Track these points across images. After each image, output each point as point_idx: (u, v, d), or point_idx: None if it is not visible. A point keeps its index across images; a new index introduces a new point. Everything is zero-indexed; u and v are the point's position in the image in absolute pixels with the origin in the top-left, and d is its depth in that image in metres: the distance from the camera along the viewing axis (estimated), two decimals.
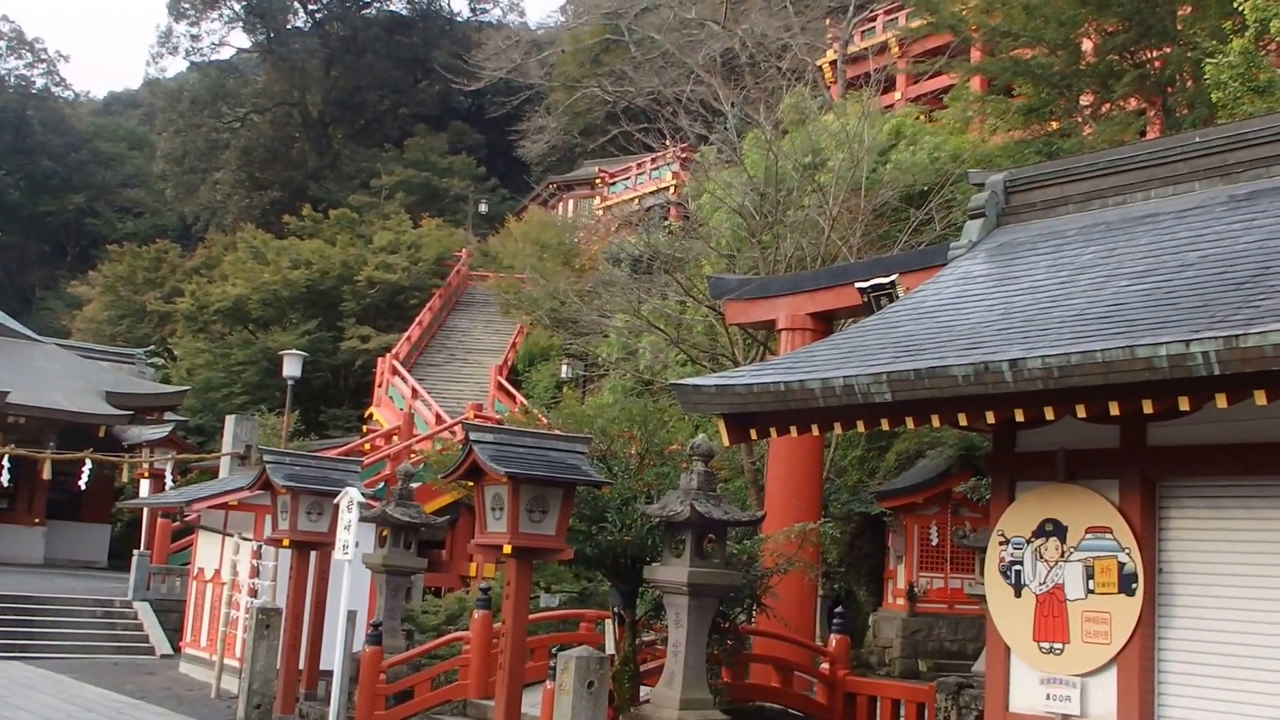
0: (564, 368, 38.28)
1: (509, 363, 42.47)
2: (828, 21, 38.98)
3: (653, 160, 44.81)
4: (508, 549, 12.42)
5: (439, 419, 33.62)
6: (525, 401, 34.70)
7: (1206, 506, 9.83)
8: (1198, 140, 11.99)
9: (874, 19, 39.62)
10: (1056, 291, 10.63)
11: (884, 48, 37.74)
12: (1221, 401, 8.14)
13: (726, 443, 10.80)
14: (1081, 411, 8.85)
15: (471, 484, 13.13)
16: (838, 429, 10.18)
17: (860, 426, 10.09)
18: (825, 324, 18.94)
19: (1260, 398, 7.93)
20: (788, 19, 36.43)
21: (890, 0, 39.11)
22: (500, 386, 38.56)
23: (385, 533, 17.41)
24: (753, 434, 10.74)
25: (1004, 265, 12.09)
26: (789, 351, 18.30)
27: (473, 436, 12.57)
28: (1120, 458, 10.19)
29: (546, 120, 48.82)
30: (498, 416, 31.76)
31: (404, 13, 73.27)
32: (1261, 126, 11.58)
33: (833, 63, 37.94)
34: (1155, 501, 10.03)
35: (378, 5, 73.16)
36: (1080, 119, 26.46)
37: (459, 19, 74.35)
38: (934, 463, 23.07)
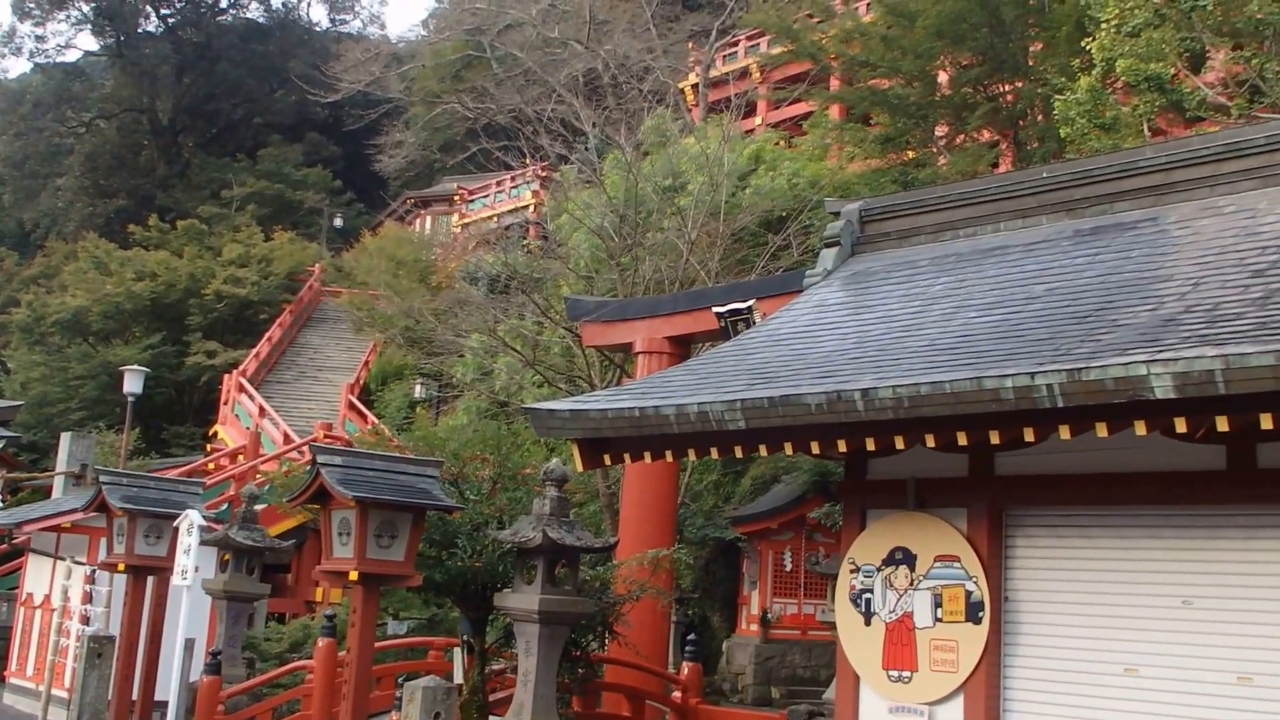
0: (417, 387, 37.72)
1: (361, 381, 41.69)
2: (690, 45, 39.26)
3: (512, 178, 44.55)
4: (354, 575, 12.07)
5: (287, 439, 32.77)
6: (377, 421, 34.05)
7: (1050, 536, 9.99)
8: (1045, 175, 12.26)
9: (736, 44, 40.02)
10: (909, 321, 10.73)
11: (746, 73, 38.11)
12: (1065, 433, 8.26)
13: (580, 468, 10.64)
14: (931, 441, 8.90)
15: (318, 507, 12.73)
16: (692, 455, 10.08)
17: (714, 453, 10.03)
18: (683, 348, 18.91)
19: (1101, 430, 8.06)
20: (650, 41, 36.56)
21: (753, 26, 39.57)
22: (351, 406, 37.80)
23: (227, 557, 16.82)
24: (607, 459, 10.60)
25: (858, 294, 12.18)
26: (646, 375, 18.23)
27: (320, 459, 12.18)
28: (968, 487, 10.30)
29: (405, 135, 48.16)
30: (347, 437, 31.08)
31: (261, 21, 71.70)
32: (1105, 163, 11.89)
33: (694, 86, 38.22)
34: (1002, 531, 10.16)
35: (234, 12, 71.46)
36: (935, 149, 27.05)
37: (318, 29, 73.11)
38: (789, 488, 23.27)
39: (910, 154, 28.41)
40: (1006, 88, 25.26)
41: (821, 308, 12.14)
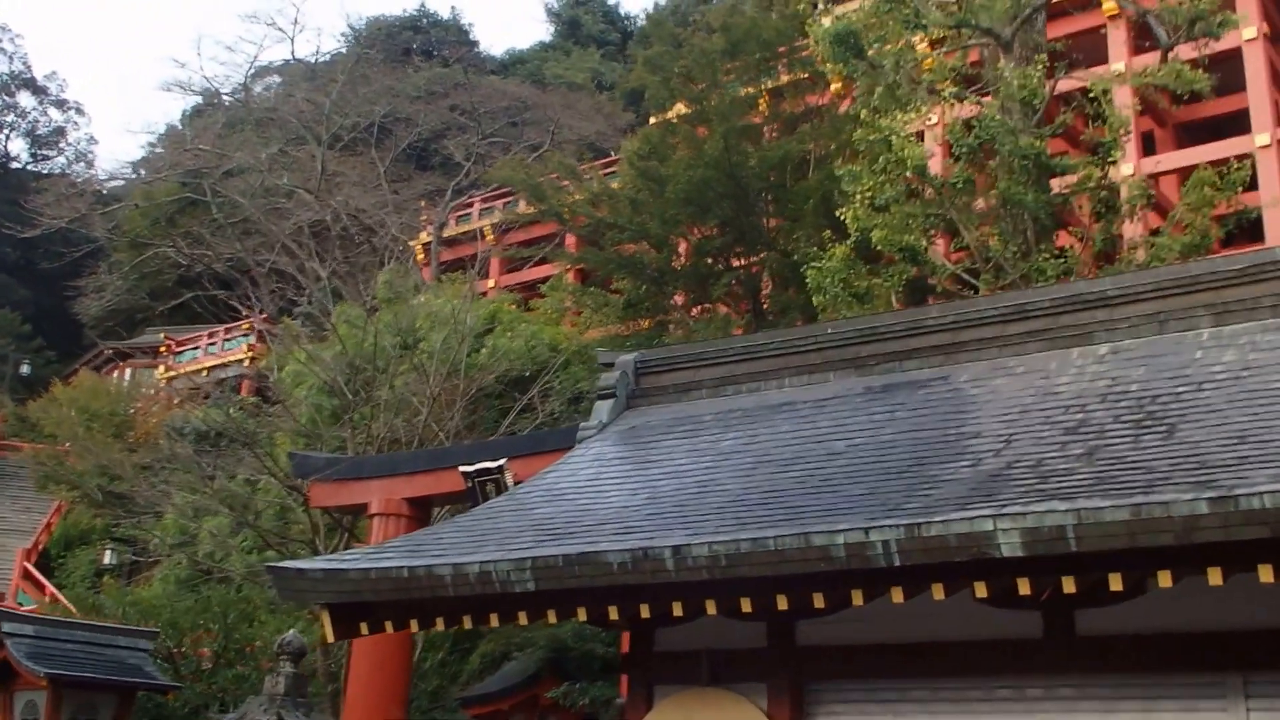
0: (107, 553, 34.33)
1: (40, 546, 37.71)
2: (423, 203, 38.61)
3: (226, 330, 42.24)
4: None
5: None
6: (56, 592, 30.68)
7: (855, 714, 9.21)
8: (830, 332, 11.93)
9: (470, 205, 39.65)
10: (703, 476, 9.95)
11: (480, 234, 37.76)
12: (897, 595, 7.58)
13: (331, 637, 9.20)
14: (747, 605, 8.03)
15: None
16: (467, 622, 8.86)
17: (494, 620, 8.83)
18: (423, 511, 17.82)
19: (938, 592, 7.41)
20: (383, 196, 35.72)
21: (499, 182, 39.47)
22: (27, 574, 33.97)
23: None
24: (364, 628, 9.20)
25: (640, 448, 11.36)
26: (381, 540, 16.82)
27: (6, 628, 10.22)
28: (768, 659, 9.48)
29: (109, 279, 45.06)
30: (20, 608, 27.67)
31: None
32: (892, 321, 11.66)
33: (427, 245, 37.50)
34: (804, 708, 9.31)
35: None
36: (674, 317, 27.01)
37: (15, 165, 68.51)
38: (522, 665, 21.98)
39: (647, 322, 28.30)
40: (748, 259, 25.55)
41: (601, 461, 11.25)
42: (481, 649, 23.11)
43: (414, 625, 9.08)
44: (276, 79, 52.29)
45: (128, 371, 48.90)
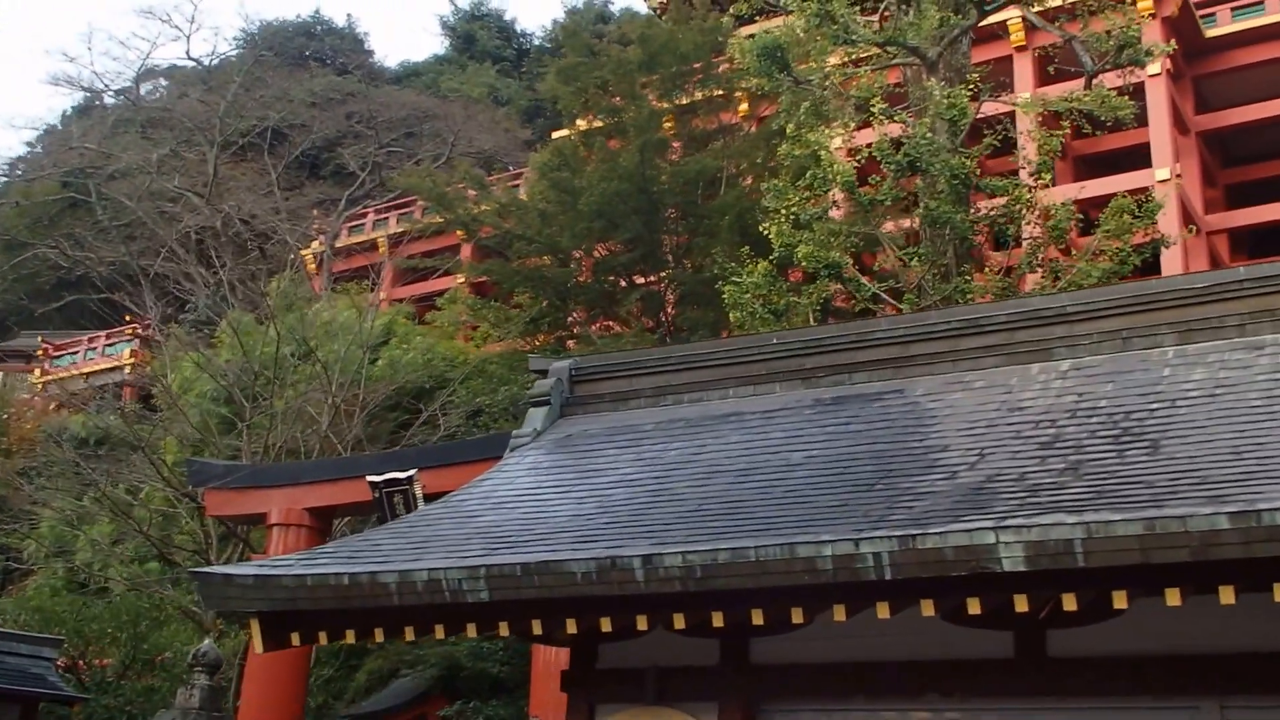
0: None
1: None
2: (315, 212, 37.56)
3: (108, 335, 40.52)
4: None
5: None
6: None
7: None
8: (775, 342, 11.56)
9: (364, 215, 38.69)
10: (654, 486, 9.49)
11: (374, 246, 36.86)
12: (883, 611, 7.19)
13: (259, 649, 8.51)
14: (718, 620, 7.58)
15: None
16: (409, 634, 8.26)
17: (440, 631, 8.24)
18: (324, 521, 17.36)
19: (928, 608, 7.05)
20: (275, 202, 34.65)
21: (381, 199, 38.56)
22: None
23: None
24: (295, 639, 8.54)
25: (580, 457, 10.86)
26: (282, 551, 16.13)
27: None
28: (721, 677, 9.04)
29: None
30: None
31: None
32: (840, 333, 11.35)
33: (319, 254, 36.49)
34: None
35: None
36: (578, 333, 26.55)
37: None
38: (412, 683, 21.33)
39: (545, 338, 27.79)
40: (655, 276, 25.22)
41: (540, 470, 10.72)
42: (369, 665, 22.38)
43: (350, 635, 8.43)
44: (163, 82, 50.61)
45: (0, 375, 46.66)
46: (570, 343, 26.51)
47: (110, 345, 40.08)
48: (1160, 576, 6.41)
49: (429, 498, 15.60)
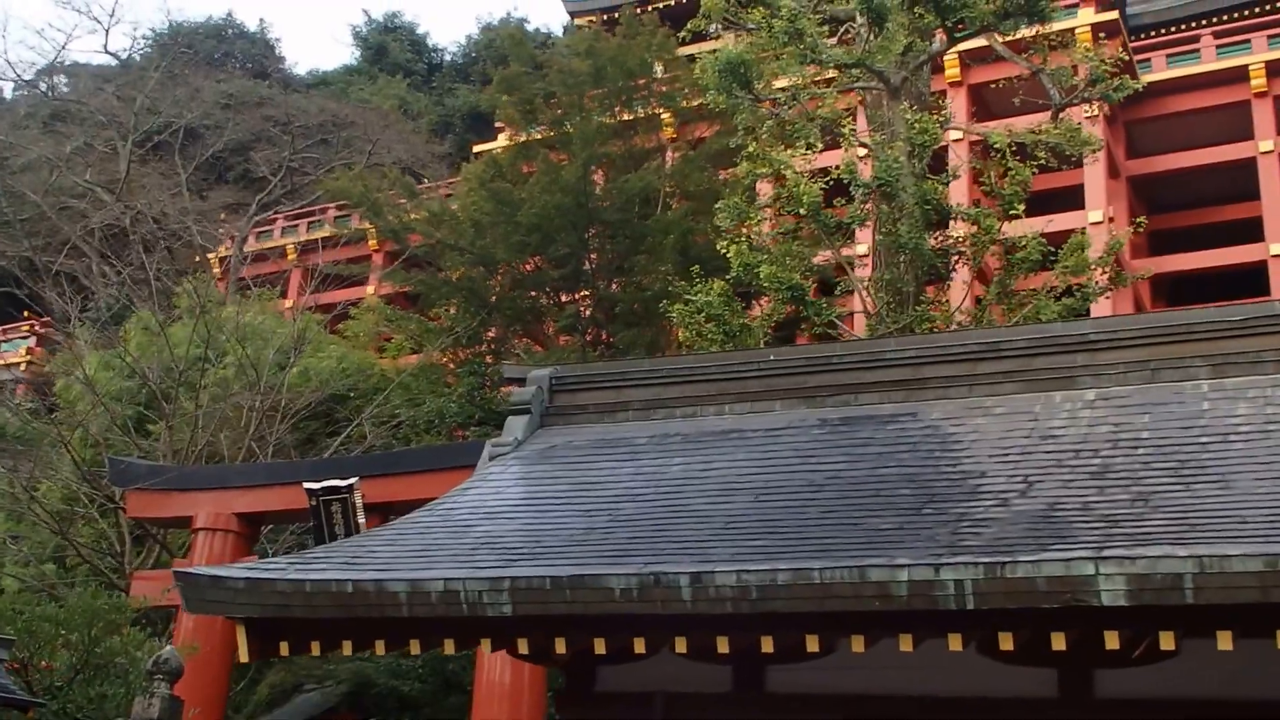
0: None
1: None
2: (223, 215, 36.18)
3: (4, 331, 38.50)
4: None
5: None
6: None
7: None
8: (772, 359, 11.04)
9: (274, 221, 37.42)
10: (667, 501, 8.87)
11: (284, 252, 35.64)
12: (955, 643, 6.65)
13: (245, 657, 7.66)
14: (768, 645, 6.96)
15: None
16: (415, 647, 7.49)
17: (449, 646, 7.48)
18: (253, 527, 16.56)
19: (1006, 641, 6.53)
20: (184, 203, 33.27)
21: (292, 205, 37.32)
22: None
23: None
24: (284, 647, 7.71)
25: (571, 469, 10.18)
26: (207, 557, 15.24)
27: None
28: (734, 705, 8.45)
29: None
30: None
31: None
32: (844, 353, 10.86)
33: (226, 259, 35.18)
34: None
35: None
36: (497, 349, 25.81)
37: None
38: (319, 698, 20.31)
39: (464, 352, 26.97)
40: (585, 293, 24.63)
41: (528, 481, 10.02)
42: (271, 678, 21.26)
43: (346, 647, 7.63)
44: (64, 78, 48.58)
45: None
46: (489, 358, 25.76)
47: (6, 342, 38.06)
48: (1272, 617, 5.97)
49: (369, 508, 14.84)
